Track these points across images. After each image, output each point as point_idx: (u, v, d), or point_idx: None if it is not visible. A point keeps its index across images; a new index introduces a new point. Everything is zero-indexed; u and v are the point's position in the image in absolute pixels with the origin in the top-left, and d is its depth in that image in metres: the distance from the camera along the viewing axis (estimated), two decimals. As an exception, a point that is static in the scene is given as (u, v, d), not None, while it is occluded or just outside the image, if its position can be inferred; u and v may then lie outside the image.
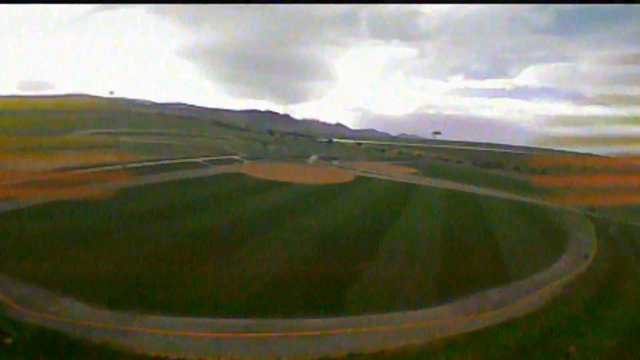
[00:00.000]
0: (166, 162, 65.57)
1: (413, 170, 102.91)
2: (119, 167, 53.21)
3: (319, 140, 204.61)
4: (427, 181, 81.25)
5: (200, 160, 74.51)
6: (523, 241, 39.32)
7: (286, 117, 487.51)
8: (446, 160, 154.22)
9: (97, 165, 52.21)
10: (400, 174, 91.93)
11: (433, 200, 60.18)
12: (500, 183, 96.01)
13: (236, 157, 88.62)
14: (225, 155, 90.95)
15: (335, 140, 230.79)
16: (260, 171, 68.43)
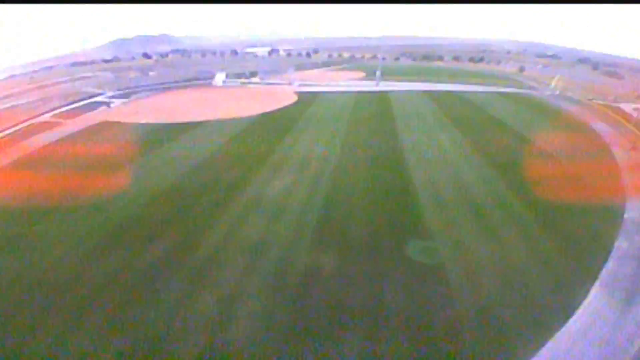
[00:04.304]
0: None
1: (359, 73, 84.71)
2: None
3: (218, 54, 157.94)
4: (389, 86, 64.81)
5: (48, 116, 44.51)
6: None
7: (164, 37, 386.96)
8: (383, 58, 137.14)
9: None
10: (349, 81, 73.18)
11: (427, 107, 46.27)
12: (458, 76, 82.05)
13: (101, 99, 57.12)
14: (85, 99, 58.02)
15: (240, 51, 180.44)
16: (145, 113, 42.67)
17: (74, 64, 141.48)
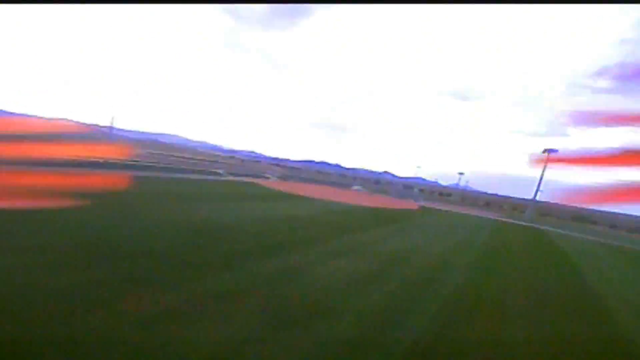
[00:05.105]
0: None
1: (495, 213, 72.12)
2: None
3: (371, 181, 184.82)
4: (545, 224, 50.74)
5: (220, 170, 60.08)
6: None
7: (337, 166, 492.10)
8: (522, 211, 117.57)
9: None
10: (482, 213, 62.47)
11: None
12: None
13: (266, 175, 71.62)
14: (256, 174, 74.41)
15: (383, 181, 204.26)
16: (283, 186, 49.21)
17: (273, 163, 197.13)
